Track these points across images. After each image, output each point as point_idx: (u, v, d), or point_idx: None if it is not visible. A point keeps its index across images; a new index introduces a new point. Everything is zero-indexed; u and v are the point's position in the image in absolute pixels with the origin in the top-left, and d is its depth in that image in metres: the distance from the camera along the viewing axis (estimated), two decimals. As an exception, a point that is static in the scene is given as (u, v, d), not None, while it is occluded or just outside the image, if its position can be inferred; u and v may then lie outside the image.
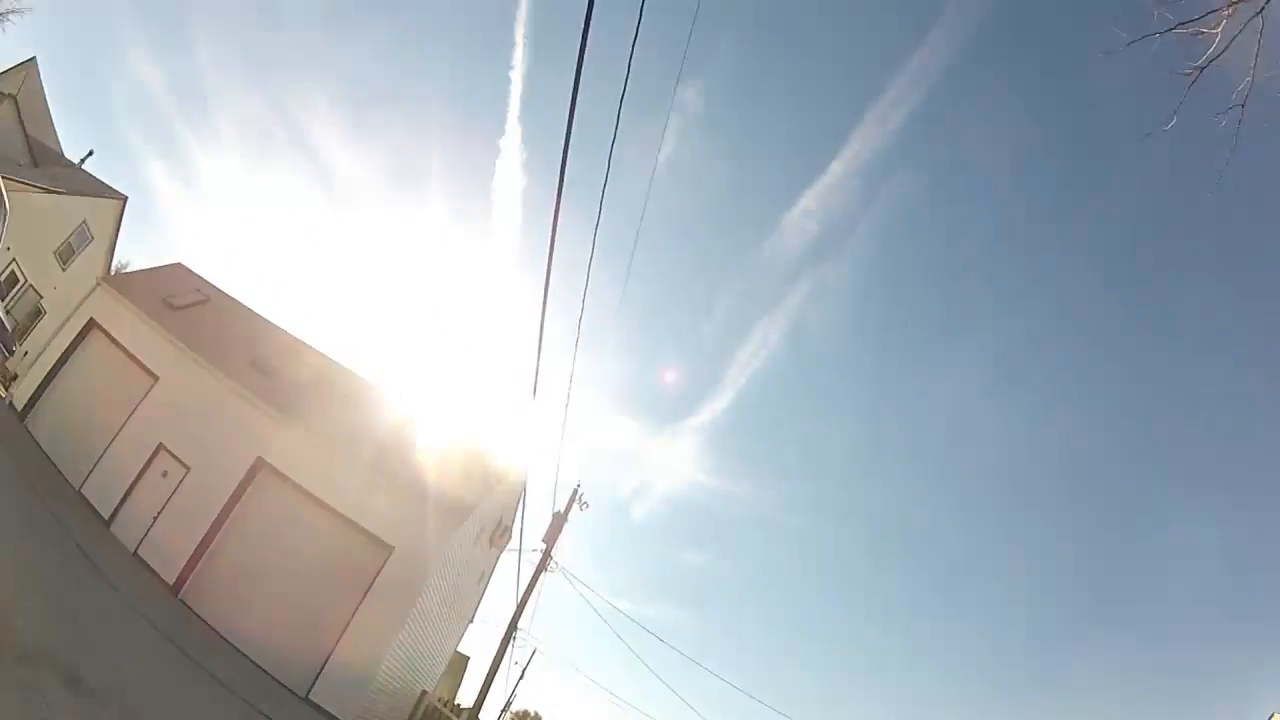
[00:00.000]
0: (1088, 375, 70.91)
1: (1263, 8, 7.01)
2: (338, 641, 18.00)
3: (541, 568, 21.95)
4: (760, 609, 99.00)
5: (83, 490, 19.99)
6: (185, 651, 14.90)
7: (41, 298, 31.92)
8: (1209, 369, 63.44)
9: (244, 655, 17.71)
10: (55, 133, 38.44)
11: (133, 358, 21.82)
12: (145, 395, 21.08)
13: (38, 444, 20.95)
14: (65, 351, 22.68)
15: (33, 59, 36.04)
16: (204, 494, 19.47)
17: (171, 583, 18.44)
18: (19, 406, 22.33)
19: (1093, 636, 74.67)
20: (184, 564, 18.68)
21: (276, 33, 74.34)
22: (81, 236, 33.46)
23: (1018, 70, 59.38)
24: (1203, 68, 7.43)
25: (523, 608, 21.65)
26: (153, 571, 18.53)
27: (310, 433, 20.58)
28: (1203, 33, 7.27)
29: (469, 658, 38.04)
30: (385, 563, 18.75)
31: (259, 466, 19.83)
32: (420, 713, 23.78)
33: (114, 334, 22.41)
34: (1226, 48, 7.26)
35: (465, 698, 37.46)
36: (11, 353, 29.27)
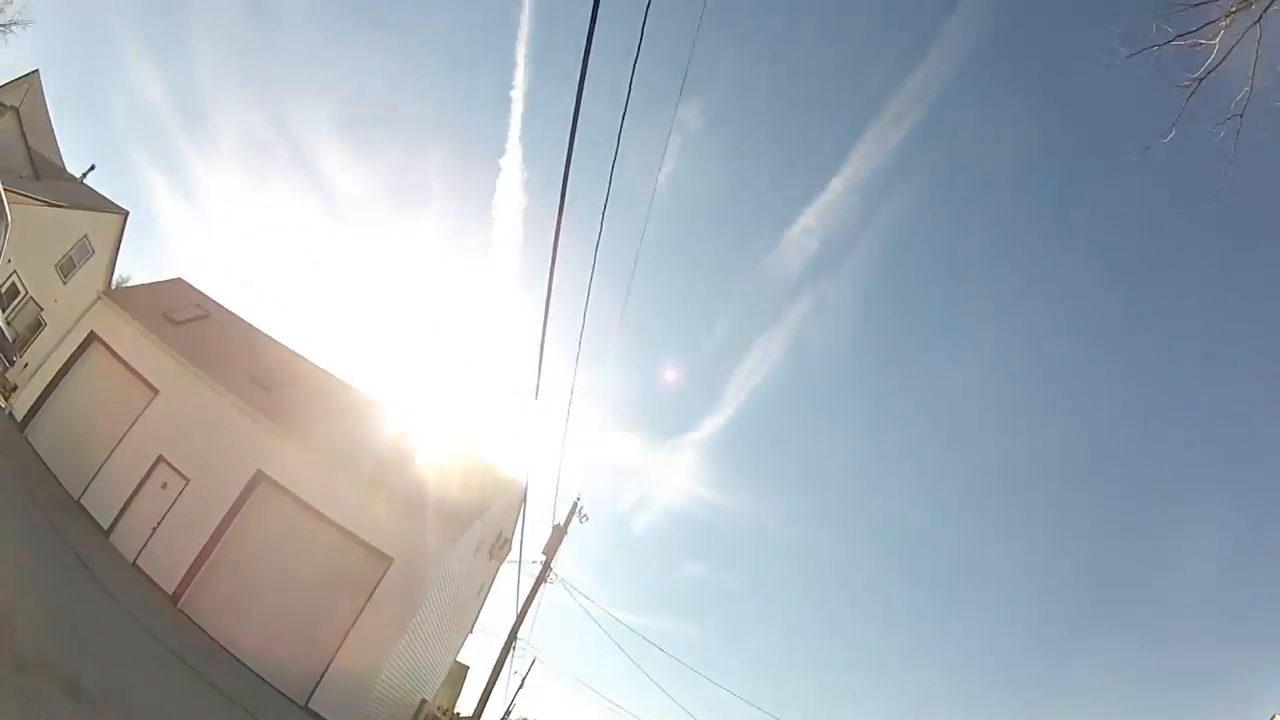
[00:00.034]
0: (1087, 383, 70.97)
1: (1260, 17, 7.06)
2: (337, 651, 18.05)
3: (541, 579, 22.00)
4: (760, 620, 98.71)
5: (82, 501, 20.03)
6: (184, 660, 14.94)
7: (42, 310, 32.02)
8: (1207, 372, 63.53)
9: (243, 664, 17.75)
10: (57, 146, 38.64)
11: (133, 371, 21.89)
12: (145, 408, 21.14)
13: (38, 455, 21.00)
14: (66, 364, 22.75)
15: (35, 71, 36.26)
16: (203, 506, 19.52)
17: (171, 593, 18.48)
18: (19, 417, 22.39)
19: (1092, 638, 74.49)
20: (183, 574, 18.72)
21: (278, 50, 74.73)
22: (82, 250, 33.59)
23: (1018, 86, 59.66)
24: (1201, 79, 7.48)
25: (522, 618, 21.69)
26: (152, 582, 18.57)
27: (310, 446, 20.65)
28: (1201, 44, 7.32)
29: (468, 667, 38.02)
30: (385, 574, 18.81)
31: (258, 479, 19.89)
32: (419, 722, 23.78)
33: (114, 347, 22.48)
34: (1224, 59, 7.30)
35: (465, 707, 37.43)
36: (12, 363, 29.30)
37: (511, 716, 40.51)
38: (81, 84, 78.79)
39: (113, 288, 35.50)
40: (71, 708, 8.96)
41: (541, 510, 44.62)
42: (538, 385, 11.76)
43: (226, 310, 27.38)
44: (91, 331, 23.00)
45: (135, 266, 70.47)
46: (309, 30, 70.07)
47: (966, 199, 67.80)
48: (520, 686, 38.65)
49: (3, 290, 29.14)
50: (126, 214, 36.12)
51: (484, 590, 28.98)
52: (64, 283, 32.94)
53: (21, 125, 32.14)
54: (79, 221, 32.90)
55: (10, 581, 11.69)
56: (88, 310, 23.78)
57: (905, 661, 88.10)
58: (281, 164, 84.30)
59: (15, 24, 35.88)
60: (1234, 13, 7.14)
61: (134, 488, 19.93)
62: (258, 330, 26.89)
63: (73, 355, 22.84)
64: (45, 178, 33.23)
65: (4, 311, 28.71)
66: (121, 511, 19.71)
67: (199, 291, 27.87)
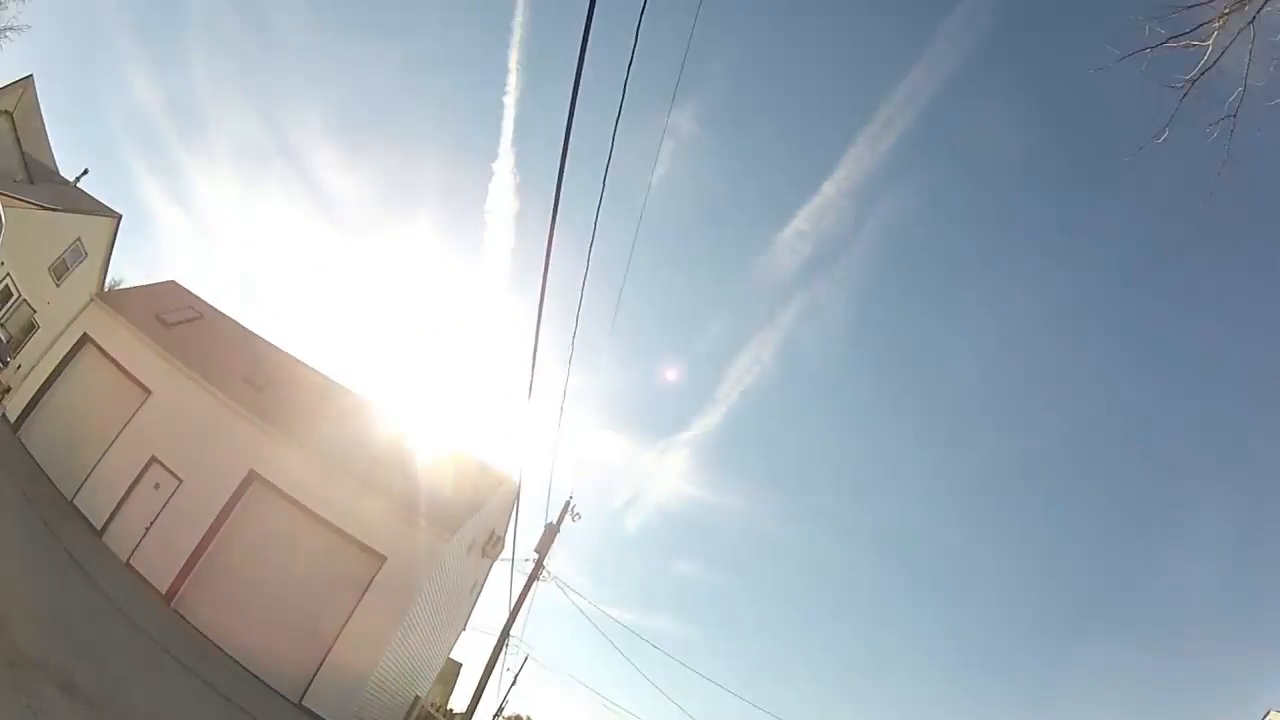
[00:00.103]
0: (1083, 384, 71.03)
1: (1254, 18, 7.12)
2: (331, 649, 18.17)
3: (534, 577, 22.08)
4: (753, 618, 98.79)
5: (75, 501, 20.12)
6: (178, 659, 15.00)
7: (35, 312, 32.09)
8: (1205, 373, 63.62)
9: (237, 662, 17.85)
10: (51, 150, 38.69)
11: (126, 372, 21.98)
12: (138, 409, 21.22)
13: (31, 456, 21.08)
14: (59, 365, 22.85)
15: (29, 76, 36.31)
16: (196, 505, 19.60)
17: (164, 592, 18.56)
18: (12, 419, 22.46)
19: (1090, 639, 74.51)
20: (176, 574, 18.80)
21: (271, 53, 74.62)
22: (75, 253, 33.65)
23: (1011, 89, 59.80)
24: (1195, 80, 7.54)
25: (515, 616, 21.77)
26: (145, 581, 18.65)
27: (303, 446, 20.73)
28: (1194, 45, 7.38)
29: (461, 664, 38.13)
30: (378, 572, 18.92)
31: (251, 479, 19.98)
32: (413, 719, 23.87)
33: (107, 349, 22.56)
34: (1218, 59, 7.36)
35: (458, 704, 37.51)
36: (5, 365, 29.44)
37: (504, 714, 40.65)
38: (76, 89, 78.79)
39: (106, 290, 35.60)
40: (66, 705, 9.04)
41: (534, 509, 44.67)
42: (531, 384, 11.87)
43: (219, 312, 27.46)
44: (84, 334, 23.09)
45: (128, 270, 70.44)
46: (302, 34, 70.09)
47: (959, 202, 67.92)
48: (513, 684, 38.75)
49: (-3, 293, 29.29)
50: (119, 217, 36.17)
51: (477, 588, 29.07)
52: (57, 285, 33.00)
53: (15, 130, 32.18)
54: (72, 225, 32.95)
55: (4, 581, 11.77)
56: (81, 312, 23.88)
57: (899, 661, 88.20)
58: (274, 167, 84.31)
59: (10, 29, 35.97)
60: (1227, 14, 7.18)
61: (127, 488, 20.00)
62: (250, 332, 26.97)
63: (66, 357, 22.94)
64: (39, 181, 33.26)
65: (-3, 314, 28.88)
66: (115, 512, 19.78)
67: (191, 294, 27.95)
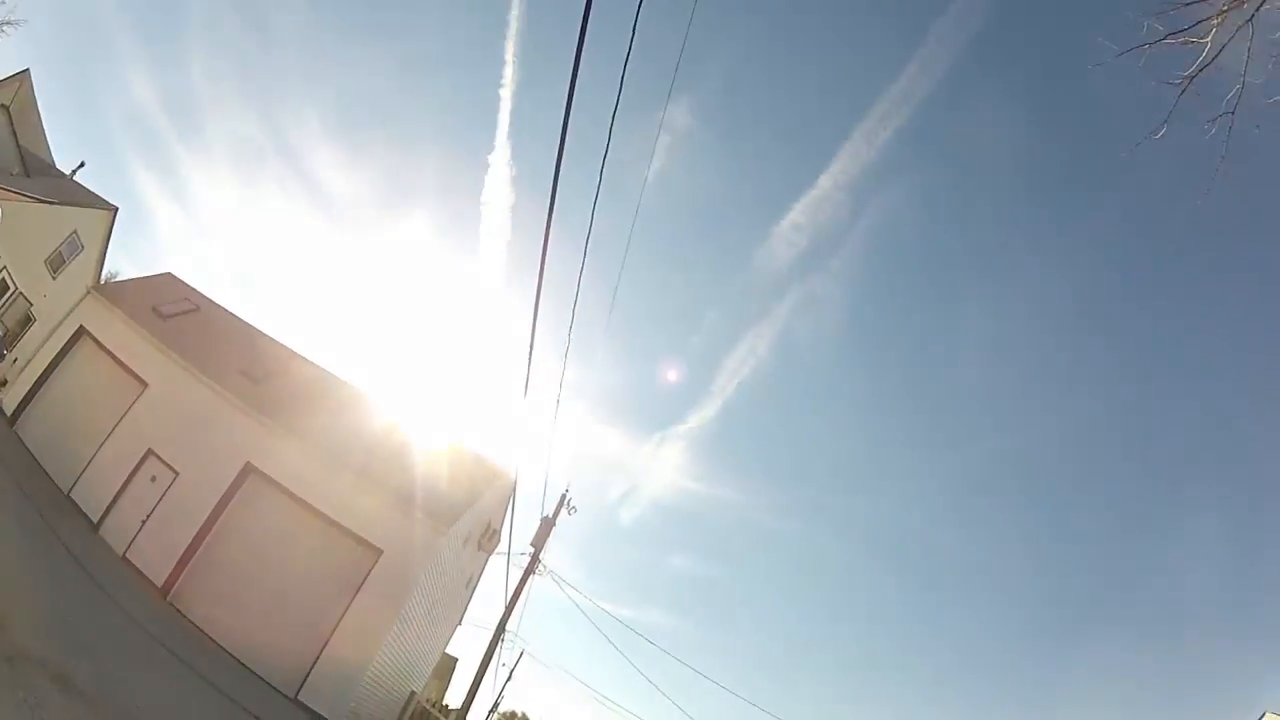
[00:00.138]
0: (1082, 383, 71.25)
1: (1253, 15, 7.11)
2: (326, 643, 18.16)
3: (530, 571, 22.11)
4: (748, 613, 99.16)
5: (72, 494, 20.09)
6: (174, 653, 14.98)
7: (31, 305, 32.02)
8: (1203, 371, 63.78)
9: (233, 657, 17.83)
10: (47, 144, 38.57)
11: (122, 364, 21.94)
12: (134, 402, 21.20)
13: (27, 448, 21.05)
14: (55, 358, 22.78)
15: (26, 70, 36.21)
16: (193, 498, 19.60)
17: (160, 585, 18.56)
18: (8, 411, 22.42)
19: (1088, 639, 74.82)
20: (173, 567, 18.80)
21: (268, 47, 74.63)
22: (72, 246, 33.57)
23: (1008, 85, 59.91)
24: (1193, 76, 7.52)
25: (511, 610, 21.80)
26: (141, 574, 18.64)
27: (299, 438, 20.72)
28: (1192, 42, 7.37)
29: (457, 659, 38.18)
30: (374, 566, 18.92)
31: (248, 471, 19.98)
32: (409, 713, 23.86)
33: (104, 341, 22.51)
34: (1216, 56, 7.35)
35: (453, 698, 37.55)
36: (2, 357, 29.41)
37: (500, 708, 40.69)
38: (73, 84, 78.69)
39: (102, 283, 35.54)
40: (62, 699, 9.03)
41: (530, 502, 44.72)
42: (527, 377, 11.85)
43: (216, 305, 27.43)
44: (81, 326, 23.03)
45: (124, 262, 70.43)
46: (299, 27, 70.11)
47: (955, 198, 68.17)
48: (509, 678, 38.79)
49: (-6, 286, 29.25)
50: (116, 210, 36.07)
51: (473, 582, 29.07)
52: (53, 278, 32.93)
53: (12, 123, 32.14)
54: (68, 217, 32.87)
55: (1, 576, 11.78)
56: (77, 305, 23.81)
57: (894, 658, 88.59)
58: (270, 160, 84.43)
59: (7, 24, 35.86)
60: (1226, 11, 7.17)
61: (123, 481, 19.99)
62: (247, 324, 26.96)
63: (62, 349, 22.87)
64: (35, 175, 33.21)
65: (-6, 307, 28.85)
66: (111, 505, 19.76)
67: (188, 286, 27.91)
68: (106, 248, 36.22)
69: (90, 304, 23.49)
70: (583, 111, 7.28)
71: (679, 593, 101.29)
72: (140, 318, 22.98)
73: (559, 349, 13.25)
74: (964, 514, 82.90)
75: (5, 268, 29.46)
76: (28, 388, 22.60)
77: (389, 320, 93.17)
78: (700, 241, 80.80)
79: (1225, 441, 64.96)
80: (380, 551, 19.06)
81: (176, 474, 19.92)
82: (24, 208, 28.82)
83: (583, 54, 6.62)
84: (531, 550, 22.15)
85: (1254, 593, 63.23)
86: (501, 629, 21.67)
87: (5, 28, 35.83)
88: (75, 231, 33.42)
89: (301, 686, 17.91)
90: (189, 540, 19.13)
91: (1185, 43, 7.34)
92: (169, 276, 28.51)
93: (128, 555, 19.04)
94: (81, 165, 37.95)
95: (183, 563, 18.94)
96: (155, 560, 18.92)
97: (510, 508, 26.27)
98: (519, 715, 63.93)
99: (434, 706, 26.44)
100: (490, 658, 21.33)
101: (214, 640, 17.99)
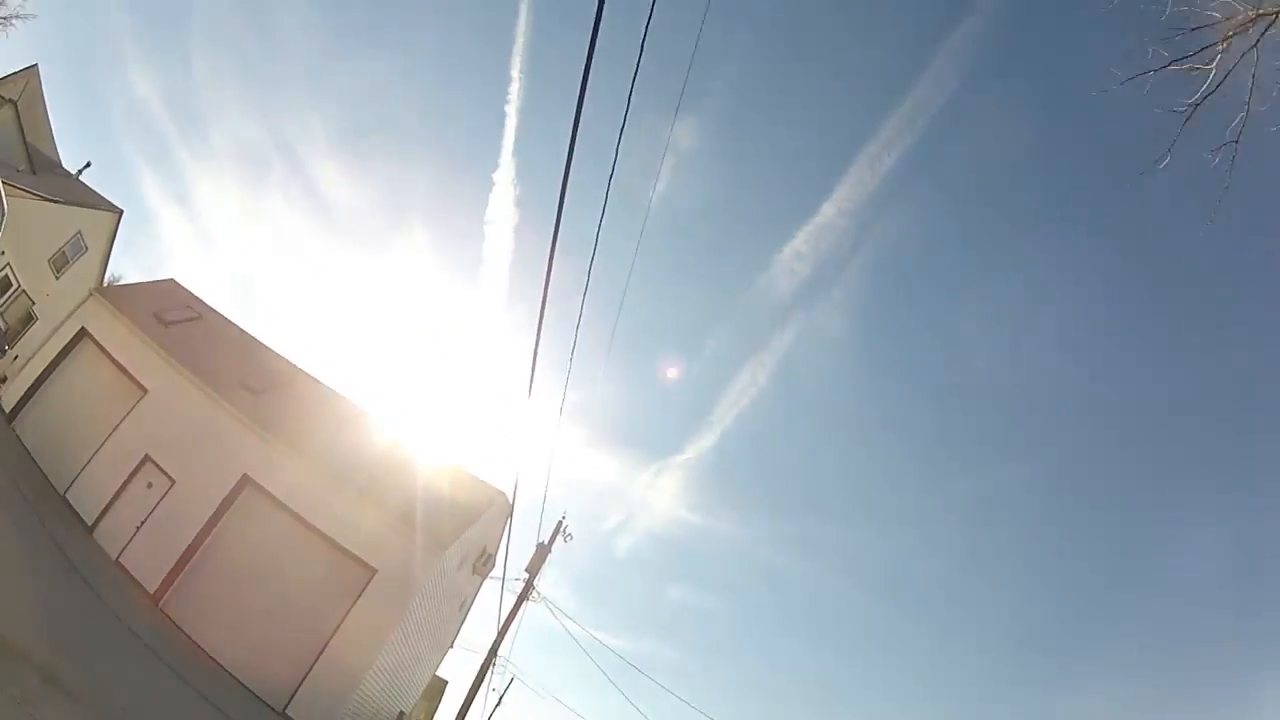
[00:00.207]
0: (1083, 415, 71.12)
1: (1258, 41, 7.06)
2: (317, 659, 18.04)
3: (524, 597, 21.91)
4: (745, 644, 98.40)
5: (67, 495, 19.93)
6: (163, 659, 14.95)
7: (34, 304, 31.82)
8: (1206, 383, 63.55)
9: (222, 667, 17.71)
10: (54, 141, 38.47)
11: (122, 369, 21.84)
12: (133, 407, 21.08)
13: (24, 447, 20.88)
14: (56, 358, 22.68)
15: (34, 66, 36.11)
16: (188, 507, 19.46)
17: (152, 592, 18.40)
18: (7, 409, 22.27)
19: (1088, 641, 74.32)
20: (165, 574, 18.65)
21: (275, 57, 74.72)
22: (76, 247, 33.42)
23: (1013, 111, 59.97)
24: (1197, 104, 7.48)
25: (503, 635, 21.58)
26: (134, 580, 18.50)
27: (298, 453, 20.61)
28: (1197, 69, 7.33)
29: (447, 682, 37.75)
30: (368, 584, 18.82)
31: (244, 483, 19.86)
32: (396, 735, 23.62)
33: (105, 344, 22.41)
34: (1221, 83, 7.31)
35: (442, 722, 37.15)
36: (3, 353, 29.21)
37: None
38: (80, 82, 78.59)
39: (105, 286, 35.35)
40: (49, 698, 8.98)
41: (526, 524, 44.52)
42: (531, 381, 11.71)
43: (218, 314, 27.39)
44: (82, 328, 22.93)
45: (127, 266, 70.25)
46: (306, 39, 70.21)
47: (960, 225, 68.15)
48: (498, 703, 38.40)
49: (-4, 281, 29.07)
50: (121, 213, 35.98)
51: (466, 605, 28.86)
52: (56, 278, 32.75)
53: (19, 119, 32.01)
54: (73, 218, 32.75)
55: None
56: (79, 306, 23.74)
57: (894, 691, 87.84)
58: (276, 173, 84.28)
59: (16, 17, 35.79)
60: (1231, 36, 7.16)
61: (119, 485, 19.87)
62: (249, 335, 26.91)
63: (63, 350, 22.77)
64: (41, 172, 33.06)
65: (-3, 303, 28.68)
66: (106, 508, 19.63)
67: (191, 294, 27.88)
68: (110, 250, 36.10)
69: (93, 306, 23.38)
70: (587, 130, 7.23)
71: (675, 624, 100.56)
72: (142, 323, 22.88)
73: (559, 371, 13.18)
74: (965, 545, 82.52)
75: (9, 265, 29.29)
76: (27, 386, 22.47)
77: (390, 335, 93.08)
78: (701, 268, 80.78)
79: (1230, 443, 64.56)
80: (375, 570, 18.94)
81: (173, 482, 19.78)
82: (30, 205, 28.69)
83: (590, 72, 6.58)
84: (526, 576, 21.93)
85: (1257, 591, 62.68)
86: (493, 653, 21.44)
87: (13, 22, 35.80)
88: (80, 232, 33.30)
89: (290, 701, 17.75)
90: (183, 549, 18.99)
91: (1190, 70, 7.31)
92: (172, 283, 28.42)
93: (121, 560, 18.89)
94: (88, 165, 37.86)
95: (175, 571, 18.79)
96: (148, 566, 18.76)
97: (506, 532, 26.13)
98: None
99: (420, 729, 26.13)
100: (480, 682, 21.08)
101: (204, 650, 17.85)
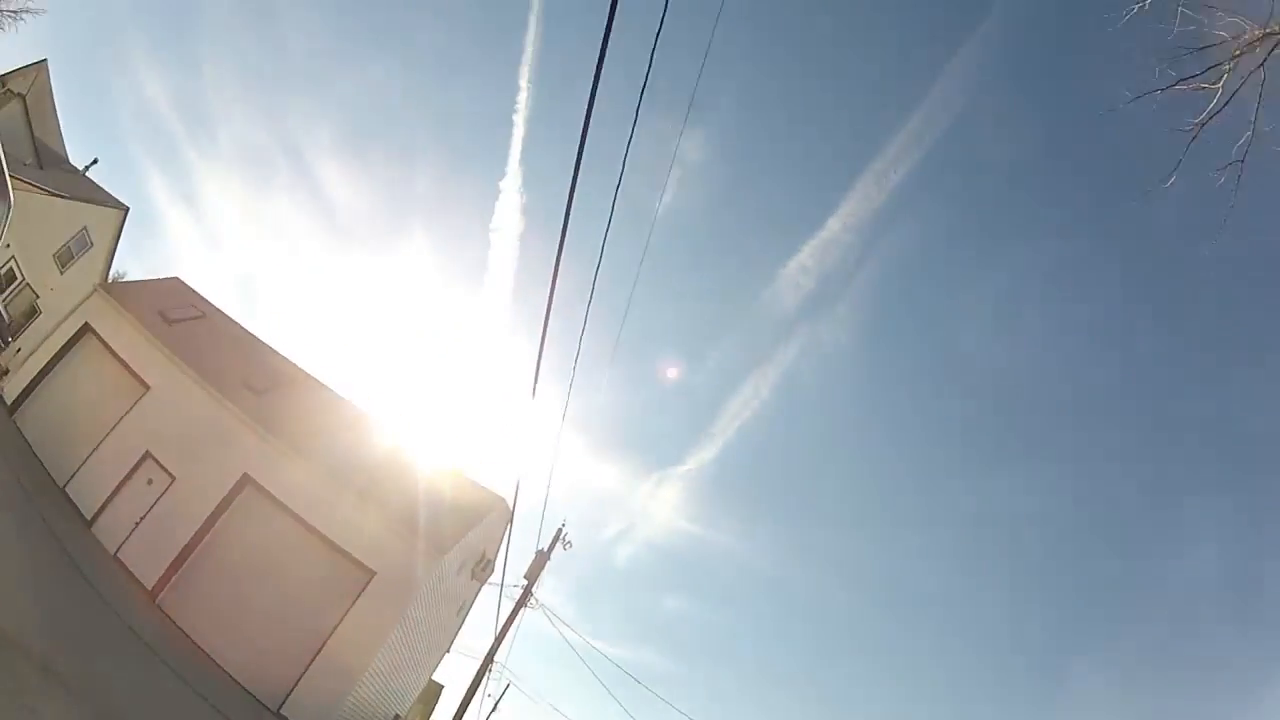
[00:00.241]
0: (1087, 430, 71.04)
1: (1265, 59, 7.06)
2: (313, 660, 17.95)
3: (522, 603, 21.86)
4: (744, 656, 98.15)
5: (67, 489, 19.88)
6: (160, 656, 14.91)
7: (38, 297, 31.84)
8: (1209, 396, 63.48)
9: (218, 665, 17.64)
10: (61, 137, 38.53)
11: (125, 365, 21.82)
12: (135, 403, 21.06)
13: (25, 440, 20.85)
14: (59, 353, 22.68)
15: (44, 61, 36.19)
16: (188, 505, 19.40)
17: (150, 588, 18.33)
18: (9, 401, 22.24)
19: (1088, 648, 74.12)
20: (164, 571, 18.59)
21: (283, 60, 74.87)
22: (81, 242, 33.48)
23: (1020, 128, 59.97)
24: (1203, 124, 7.47)
25: (500, 640, 21.50)
26: (132, 575, 18.44)
27: (298, 454, 20.56)
28: (1204, 88, 7.32)
29: (443, 686, 37.62)
30: (366, 587, 18.74)
31: (245, 483, 19.81)
32: (391, 740, 23.52)
33: (108, 340, 22.40)
34: (1227, 103, 7.30)
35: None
36: (7, 344, 29.21)
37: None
38: (88, 80, 78.73)
39: (109, 282, 35.37)
40: (47, 690, 8.98)
41: (526, 530, 44.42)
42: (535, 382, 11.66)
43: (222, 313, 27.40)
44: (86, 323, 22.92)
45: (132, 263, 70.24)
46: (314, 43, 70.37)
47: (965, 242, 68.16)
48: (494, 709, 38.23)
49: (1, 273, 29.05)
50: (127, 210, 36.07)
51: (464, 610, 28.79)
52: (61, 273, 32.79)
53: (27, 113, 32.06)
54: (79, 213, 32.82)
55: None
56: (83, 302, 23.71)
57: (895, 705, 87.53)
58: (282, 174, 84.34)
59: (26, 12, 35.84)
60: (1239, 55, 7.15)
61: (119, 481, 19.81)
62: (252, 335, 26.93)
63: (66, 345, 22.76)
64: (48, 167, 33.13)
65: (1, 294, 28.69)
66: (106, 503, 19.58)
67: (195, 292, 27.89)
68: (115, 247, 36.18)
69: (97, 302, 23.37)
70: (595, 140, 7.22)
71: (674, 634, 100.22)
72: (146, 320, 22.88)
73: (561, 379, 13.16)
74: (967, 560, 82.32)
75: (14, 258, 29.32)
76: (29, 379, 22.44)
77: (393, 340, 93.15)
78: (706, 280, 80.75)
79: (1230, 445, 64.41)
80: (373, 573, 18.86)
81: (173, 479, 19.73)
82: (36, 200, 28.73)
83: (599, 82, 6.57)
84: (525, 583, 21.87)
85: (1256, 594, 62.51)
86: (490, 659, 21.37)
87: (23, 16, 35.86)
88: (85, 228, 33.37)
89: (285, 701, 17.66)
90: (181, 546, 18.92)
91: (1197, 89, 7.30)
92: (176, 281, 28.45)
93: (119, 555, 18.82)
94: (95, 162, 37.99)
95: (173, 568, 18.73)
96: (146, 562, 18.70)
97: (506, 538, 26.07)
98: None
99: (415, 733, 26.02)
100: (476, 688, 21.01)
101: (200, 647, 17.76)
